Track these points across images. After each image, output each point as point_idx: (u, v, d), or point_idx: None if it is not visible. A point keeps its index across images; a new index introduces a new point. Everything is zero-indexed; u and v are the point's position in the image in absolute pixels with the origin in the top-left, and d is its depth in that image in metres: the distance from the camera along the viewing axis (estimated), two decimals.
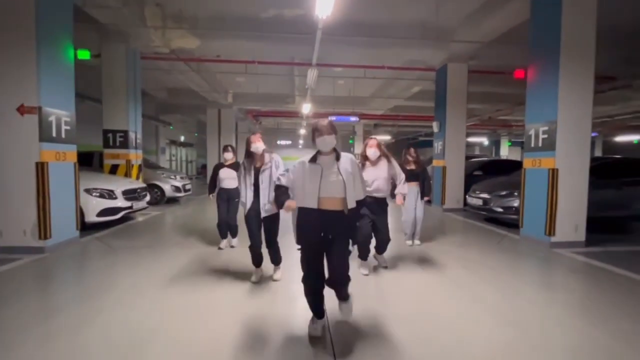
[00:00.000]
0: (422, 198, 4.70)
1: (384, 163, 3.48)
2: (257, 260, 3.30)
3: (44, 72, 4.05)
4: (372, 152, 3.47)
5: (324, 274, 2.26)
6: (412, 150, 4.76)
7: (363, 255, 3.61)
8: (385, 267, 3.76)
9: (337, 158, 2.24)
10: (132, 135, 7.40)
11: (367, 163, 3.49)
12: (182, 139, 22.38)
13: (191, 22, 6.92)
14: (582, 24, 4.51)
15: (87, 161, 8.39)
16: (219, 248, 4.43)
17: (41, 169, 4.02)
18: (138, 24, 6.46)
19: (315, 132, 2.23)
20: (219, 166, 4.35)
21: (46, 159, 4.08)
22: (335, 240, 2.22)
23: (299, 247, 2.29)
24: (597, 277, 3.68)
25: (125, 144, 7.30)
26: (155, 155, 18.64)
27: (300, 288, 2.34)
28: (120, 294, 3.00)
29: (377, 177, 3.44)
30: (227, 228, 4.42)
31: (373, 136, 3.63)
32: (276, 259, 3.35)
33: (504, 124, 18.32)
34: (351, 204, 2.23)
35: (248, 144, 3.15)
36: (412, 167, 4.63)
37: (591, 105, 4.64)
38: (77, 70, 8.38)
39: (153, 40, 7.22)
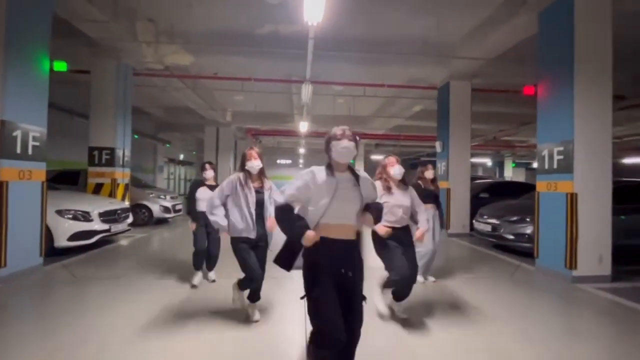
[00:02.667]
0: (441, 226, 4.11)
1: (406, 189, 2.92)
2: (257, 295, 2.83)
3: (11, 84, 3.71)
4: (398, 170, 2.83)
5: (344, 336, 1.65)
6: (430, 166, 4.11)
7: (400, 294, 2.86)
8: (406, 319, 2.96)
9: (357, 179, 1.79)
10: (119, 152, 7.04)
11: (392, 187, 2.86)
12: (181, 157, 22.17)
13: (184, 37, 6.71)
14: (597, 36, 4.18)
15: (73, 180, 8.05)
16: (192, 286, 3.68)
17: None
18: (129, 39, 6.25)
19: (331, 138, 1.78)
20: (198, 184, 3.78)
21: (6, 177, 3.67)
22: (354, 283, 1.72)
23: (304, 295, 1.73)
24: (628, 321, 3.13)
25: (111, 162, 6.93)
26: (153, 174, 18.34)
27: (289, 334, 1.81)
28: (62, 340, 2.48)
29: (402, 204, 2.82)
30: (204, 257, 3.81)
31: (392, 155, 3.00)
32: (258, 295, 2.86)
33: (508, 145, 18.00)
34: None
35: (244, 159, 2.75)
36: (430, 186, 4.03)
37: (610, 123, 4.24)
38: (70, 86, 8.25)
39: (145, 56, 7.02)
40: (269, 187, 2.80)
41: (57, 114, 9.22)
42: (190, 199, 3.73)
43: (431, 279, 4.11)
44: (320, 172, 1.78)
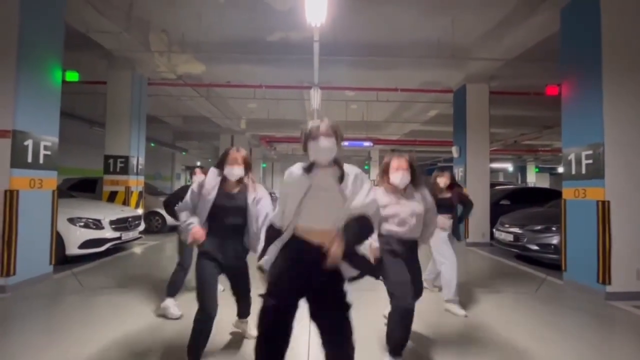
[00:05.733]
0: (457, 239, 3.59)
1: (418, 193, 2.36)
2: (202, 341, 2.13)
3: (23, 95, 3.78)
4: (400, 177, 2.25)
5: (287, 345, 1.56)
6: (446, 173, 3.62)
7: (397, 340, 2.18)
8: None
9: (341, 176, 1.57)
10: (133, 160, 7.15)
11: (399, 193, 2.32)
12: (198, 164, 22.61)
13: (195, 47, 6.78)
14: (626, 30, 3.85)
15: (92, 187, 8.26)
16: (176, 317, 3.02)
17: (10, 197, 3.65)
18: (142, 50, 6.37)
19: (307, 137, 1.62)
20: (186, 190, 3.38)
21: (17, 186, 3.71)
22: (325, 299, 1.54)
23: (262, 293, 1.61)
24: None
25: (125, 170, 7.04)
26: (171, 181, 18.77)
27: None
28: (59, 352, 2.42)
29: (415, 211, 2.28)
30: (183, 280, 3.24)
31: (399, 154, 2.36)
32: (246, 312, 2.66)
33: (530, 149, 17.27)
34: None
35: (224, 157, 2.22)
36: (445, 195, 3.54)
37: None
38: (88, 97, 8.52)
39: (158, 66, 7.16)
40: (256, 196, 2.23)
41: (76, 123, 9.60)
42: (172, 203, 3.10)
43: (461, 312, 3.28)
44: (296, 170, 1.64)
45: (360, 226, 1.51)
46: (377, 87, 8.31)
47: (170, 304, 3.09)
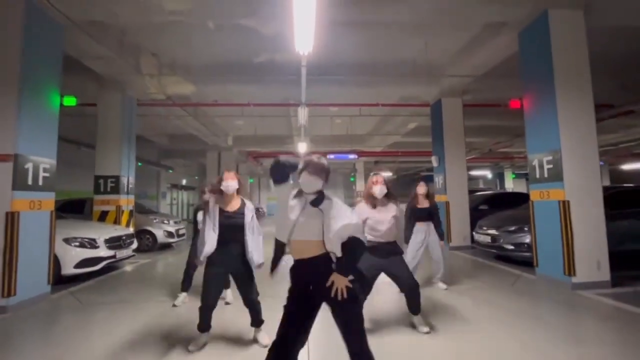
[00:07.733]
0: (441, 238, 4.27)
1: (391, 205, 3.03)
2: (206, 324, 2.80)
3: (24, 120, 3.95)
4: (379, 189, 2.97)
5: (300, 347, 1.82)
6: (422, 183, 4.27)
7: (415, 305, 3.11)
8: (428, 332, 3.00)
9: (320, 199, 1.86)
10: (123, 180, 7.25)
11: (376, 204, 3.00)
12: (184, 182, 22.44)
13: (185, 69, 7.07)
14: (573, 51, 4.43)
15: (79, 209, 8.24)
16: (174, 305, 3.88)
17: (11, 219, 3.76)
18: (133, 73, 6.60)
19: (304, 166, 1.88)
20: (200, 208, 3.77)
21: (18, 208, 3.83)
22: (334, 300, 1.76)
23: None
24: (632, 325, 3.16)
25: (116, 190, 7.12)
26: (156, 200, 18.54)
27: None
28: None
29: (385, 219, 2.94)
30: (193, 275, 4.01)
31: (377, 172, 3.18)
32: (257, 319, 2.88)
33: (506, 156, 18.18)
34: (334, 247, 1.81)
35: (219, 181, 2.83)
36: (425, 205, 4.19)
37: (595, 131, 4.41)
38: (76, 118, 8.58)
39: (148, 88, 7.39)
40: (243, 207, 2.83)
41: (64, 145, 9.55)
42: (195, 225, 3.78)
43: (442, 286, 4.41)
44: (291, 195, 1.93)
45: (357, 249, 1.83)
46: (360, 102, 8.79)
47: (181, 296, 3.99)
